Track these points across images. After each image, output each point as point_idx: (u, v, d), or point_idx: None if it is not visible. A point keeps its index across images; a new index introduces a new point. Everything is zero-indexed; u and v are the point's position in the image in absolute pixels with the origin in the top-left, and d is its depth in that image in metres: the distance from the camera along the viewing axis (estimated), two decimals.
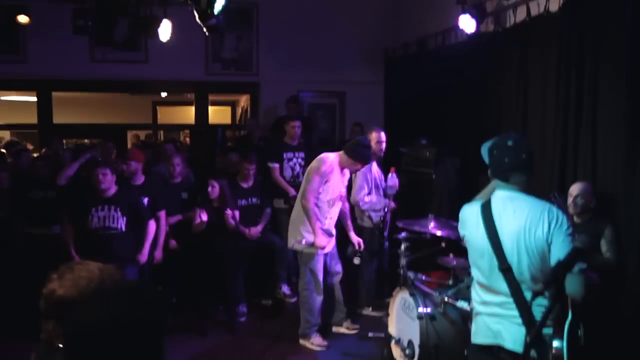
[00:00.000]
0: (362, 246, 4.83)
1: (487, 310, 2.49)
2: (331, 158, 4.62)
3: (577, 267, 2.13)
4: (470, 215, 2.56)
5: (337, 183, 4.66)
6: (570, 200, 3.93)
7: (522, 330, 2.32)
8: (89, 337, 1.14)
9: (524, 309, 2.32)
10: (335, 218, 4.76)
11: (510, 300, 2.36)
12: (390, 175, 5.27)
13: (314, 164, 4.64)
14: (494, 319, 2.45)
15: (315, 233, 4.54)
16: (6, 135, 9.86)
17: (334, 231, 4.80)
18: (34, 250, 5.14)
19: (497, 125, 5.43)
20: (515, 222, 2.39)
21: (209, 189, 5.16)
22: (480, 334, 2.54)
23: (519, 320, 2.34)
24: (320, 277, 4.70)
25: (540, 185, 4.78)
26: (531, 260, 2.33)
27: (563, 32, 4.45)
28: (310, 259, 4.66)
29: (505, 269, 2.36)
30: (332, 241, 4.83)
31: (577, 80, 4.32)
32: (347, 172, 4.80)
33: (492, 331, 2.45)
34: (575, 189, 3.95)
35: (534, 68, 4.88)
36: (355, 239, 4.87)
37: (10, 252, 5.22)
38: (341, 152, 4.66)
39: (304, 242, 4.63)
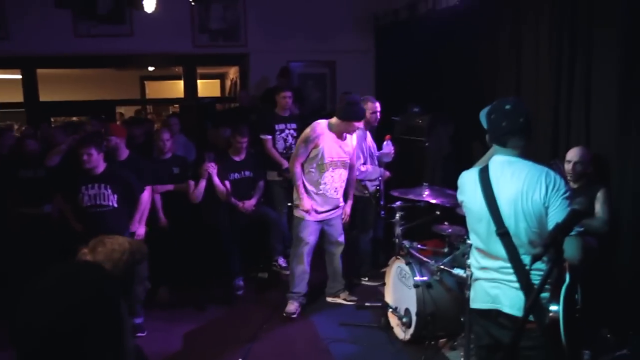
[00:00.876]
0: (347, 219, 4.92)
1: (485, 275, 2.49)
2: (321, 124, 4.63)
3: (575, 230, 2.13)
4: (468, 181, 2.55)
5: (332, 148, 4.61)
6: (569, 166, 3.91)
7: (520, 294, 2.33)
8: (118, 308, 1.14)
9: (522, 273, 2.32)
10: (337, 184, 4.71)
11: (509, 265, 2.36)
12: (385, 142, 5.24)
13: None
14: (492, 283, 2.45)
15: (300, 196, 4.61)
16: None
17: (336, 199, 4.77)
18: (26, 230, 5.13)
19: (491, 91, 5.39)
20: (512, 186, 2.37)
21: (209, 168, 5.11)
22: (478, 299, 2.55)
23: (517, 285, 2.34)
24: (306, 246, 4.71)
25: (534, 148, 4.77)
26: (528, 224, 2.32)
27: None
28: (298, 224, 4.72)
29: (503, 233, 2.36)
30: (334, 211, 4.80)
31: (570, 42, 4.27)
32: (350, 138, 4.73)
33: (491, 296, 2.46)
34: (573, 154, 3.93)
35: (527, 30, 4.82)
36: (346, 209, 4.90)
37: (4, 233, 5.19)
38: (333, 118, 4.62)
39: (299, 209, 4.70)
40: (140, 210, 4.64)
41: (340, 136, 4.64)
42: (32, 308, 1.06)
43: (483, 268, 2.51)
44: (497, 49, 5.26)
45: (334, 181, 4.68)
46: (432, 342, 4.07)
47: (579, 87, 4.20)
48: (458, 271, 3.77)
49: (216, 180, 5.22)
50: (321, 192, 4.65)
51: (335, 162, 4.64)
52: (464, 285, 3.60)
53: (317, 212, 4.67)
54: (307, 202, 4.62)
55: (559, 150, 4.37)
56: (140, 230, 4.66)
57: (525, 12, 4.82)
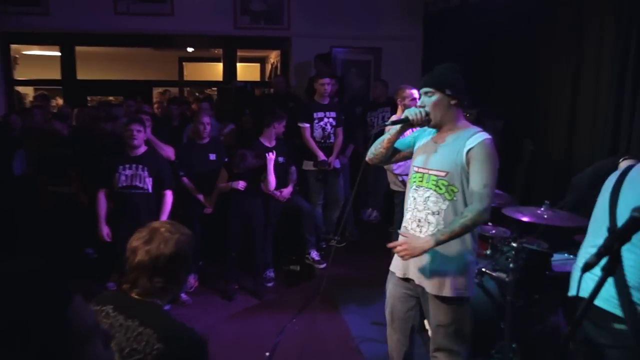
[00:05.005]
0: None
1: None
2: None
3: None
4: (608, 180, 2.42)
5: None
6: None
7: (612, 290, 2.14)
8: None
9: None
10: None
11: None
12: None
13: None
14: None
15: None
16: (29, 91, 9.78)
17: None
18: (55, 207, 5.22)
19: (546, 87, 5.16)
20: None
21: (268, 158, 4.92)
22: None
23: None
24: None
25: (592, 148, 4.53)
26: None
27: None
28: None
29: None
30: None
31: (638, 39, 3.98)
32: None
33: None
34: None
35: (589, 23, 4.55)
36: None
37: (36, 210, 5.24)
38: None
39: None
40: (167, 211, 4.47)
41: None
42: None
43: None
44: (554, 41, 5.01)
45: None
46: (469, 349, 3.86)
47: None
48: (499, 274, 3.55)
49: (271, 173, 4.96)
50: None
51: None
52: (505, 289, 3.41)
53: None
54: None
55: (619, 151, 4.11)
56: None
57: (589, 3, 4.54)
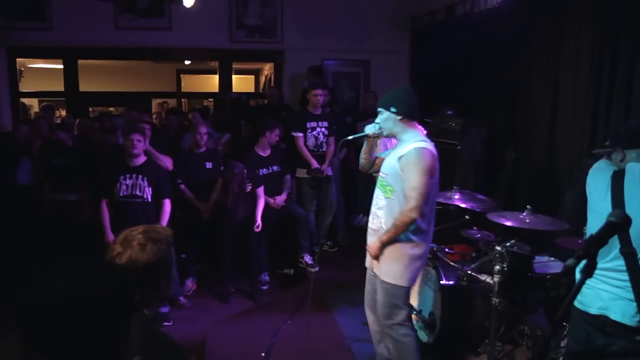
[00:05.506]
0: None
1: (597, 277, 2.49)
2: None
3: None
4: (599, 179, 2.53)
5: None
6: None
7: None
8: None
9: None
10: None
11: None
12: None
13: None
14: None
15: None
16: (34, 103, 9.96)
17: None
18: (60, 215, 5.30)
19: (526, 96, 5.29)
20: None
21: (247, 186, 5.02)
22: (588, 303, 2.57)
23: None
24: None
25: (570, 155, 4.66)
26: None
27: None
28: None
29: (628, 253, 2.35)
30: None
31: (613, 50, 4.15)
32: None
33: (603, 300, 2.46)
34: None
35: (567, 37, 4.70)
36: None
37: (39, 218, 5.36)
38: None
39: None
40: (166, 219, 4.54)
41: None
42: (43, 289, 1.10)
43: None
44: (535, 54, 5.16)
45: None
46: (456, 347, 4.02)
47: (619, 96, 4.08)
48: (485, 277, 3.70)
49: (259, 214, 5.08)
50: None
51: None
52: (490, 291, 3.55)
53: None
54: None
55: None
56: None
57: (567, 16, 4.71)
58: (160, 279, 1.78)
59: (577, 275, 2.18)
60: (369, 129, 3.26)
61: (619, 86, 4.08)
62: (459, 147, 5.70)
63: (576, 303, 2.52)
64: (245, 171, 4.96)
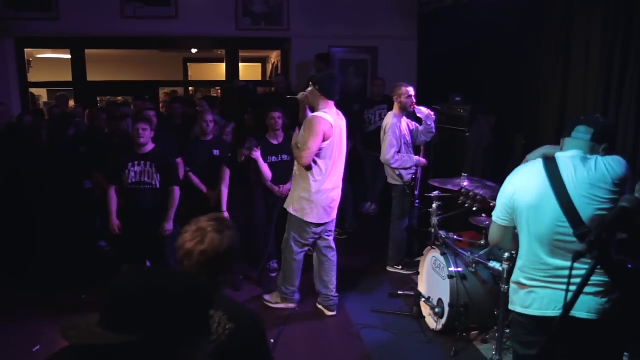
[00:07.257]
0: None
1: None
2: None
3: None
4: (529, 176, 2.53)
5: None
6: None
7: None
8: None
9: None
10: None
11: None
12: (416, 109, 5.17)
13: None
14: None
15: None
16: (43, 93, 9.99)
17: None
18: (70, 204, 5.36)
19: (536, 82, 5.26)
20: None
21: (254, 153, 5.02)
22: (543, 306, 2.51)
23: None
24: None
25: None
26: None
27: None
28: None
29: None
30: None
31: (625, 35, 4.11)
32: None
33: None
34: None
35: (578, 22, 4.65)
36: None
37: (50, 206, 5.40)
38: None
39: None
40: (175, 206, 4.57)
41: None
42: (131, 282, 1.21)
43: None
44: (545, 39, 5.11)
45: None
46: (464, 334, 4.04)
47: (632, 80, 4.04)
48: (494, 264, 3.71)
49: (263, 165, 5.08)
50: None
51: None
52: (499, 278, 3.56)
53: None
54: None
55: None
56: (169, 225, 4.57)
57: (578, 1, 4.66)
58: (233, 262, 1.96)
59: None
60: (300, 95, 4.45)
61: (632, 69, 4.04)
62: (467, 134, 5.68)
63: (523, 309, 2.45)
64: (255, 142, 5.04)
